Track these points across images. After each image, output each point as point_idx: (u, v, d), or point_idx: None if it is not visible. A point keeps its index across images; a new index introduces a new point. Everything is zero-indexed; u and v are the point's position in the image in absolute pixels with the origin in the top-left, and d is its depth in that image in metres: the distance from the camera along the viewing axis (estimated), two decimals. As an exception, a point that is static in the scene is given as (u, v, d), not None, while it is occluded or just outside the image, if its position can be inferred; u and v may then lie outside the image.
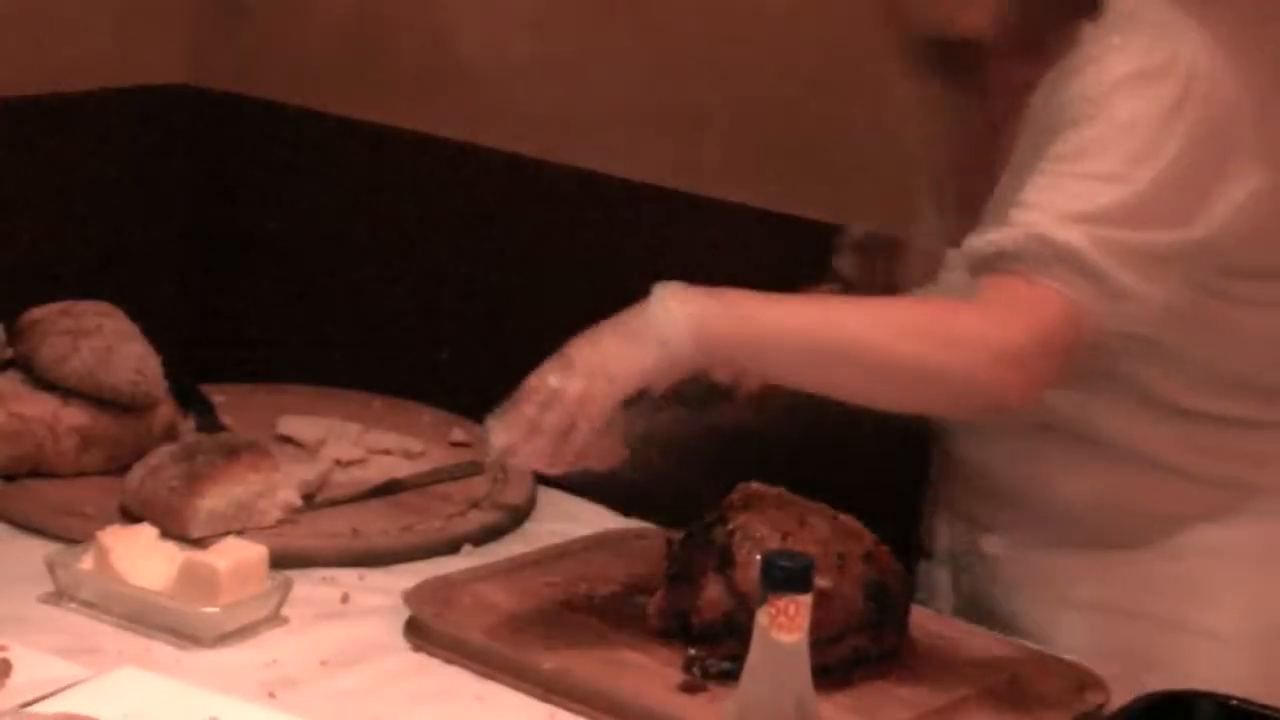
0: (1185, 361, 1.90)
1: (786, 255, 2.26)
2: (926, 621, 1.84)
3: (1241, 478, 1.96)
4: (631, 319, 1.75)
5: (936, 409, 1.85)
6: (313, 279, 2.67)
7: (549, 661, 1.77)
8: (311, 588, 1.93)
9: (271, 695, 1.69)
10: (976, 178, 1.93)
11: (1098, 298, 1.74)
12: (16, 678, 1.65)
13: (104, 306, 2.27)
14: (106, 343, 2.21)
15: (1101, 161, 1.77)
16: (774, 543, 1.71)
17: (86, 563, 1.87)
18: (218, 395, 2.37)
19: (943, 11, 1.89)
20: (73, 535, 1.96)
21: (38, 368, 2.20)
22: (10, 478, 2.13)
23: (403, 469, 2.23)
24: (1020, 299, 1.74)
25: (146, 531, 1.91)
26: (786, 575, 1.32)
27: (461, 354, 2.61)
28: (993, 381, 1.73)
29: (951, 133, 2.01)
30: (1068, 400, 1.88)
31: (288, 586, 1.88)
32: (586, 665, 1.76)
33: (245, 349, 2.59)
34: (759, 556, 1.48)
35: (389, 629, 1.87)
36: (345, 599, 1.93)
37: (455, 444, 2.31)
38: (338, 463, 2.22)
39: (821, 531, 1.75)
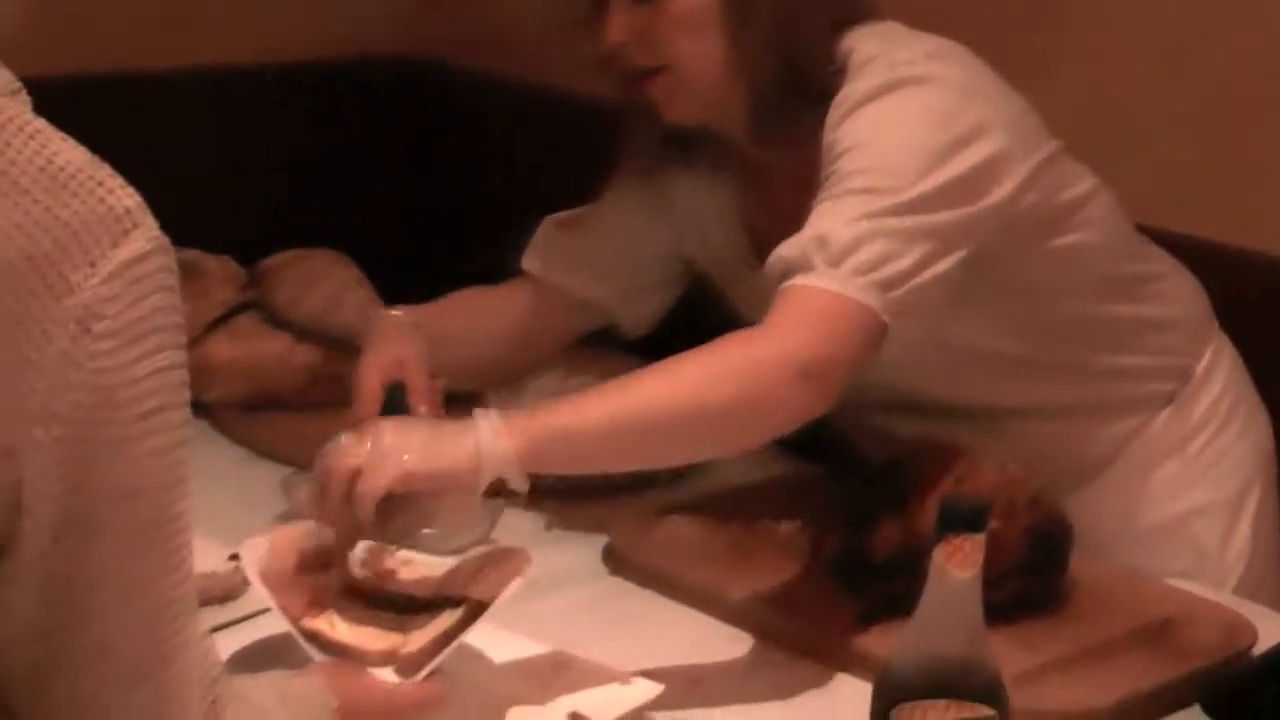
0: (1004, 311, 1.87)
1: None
2: (1085, 565, 1.83)
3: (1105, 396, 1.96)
4: (454, 436, 1.60)
5: (758, 440, 1.74)
6: (517, 235, 2.68)
7: (736, 591, 1.78)
8: (519, 515, 1.94)
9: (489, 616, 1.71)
10: (787, 233, 1.81)
11: (883, 286, 1.67)
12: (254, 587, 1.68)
13: (334, 255, 2.32)
14: (336, 288, 2.25)
15: (867, 177, 1.71)
16: (948, 487, 1.71)
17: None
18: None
19: (658, 105, 1.84)
20: (305, 461, 1.98)
21: (274, 309, 2.24)
22: (251, 409, 2.18)
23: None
24: (808, 310, 1.67)
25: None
26: (963, 515, 1.31)
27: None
28: (796, 399, 1.64)
29: (753, 196, 1.96)
30: (912, 377, 1.83)
31: (499, 512, 1.89)
32: (770, 595, 1.77)
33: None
34: (936, 499, 1.48)
35: (589, 555, 1.89)
36: (549, 526, 1.95)
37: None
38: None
39: (991, 478, 1.74)
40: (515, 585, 1.54)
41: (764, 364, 1.64)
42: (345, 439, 1.67)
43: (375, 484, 1.56)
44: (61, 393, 1.03)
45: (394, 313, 1.97)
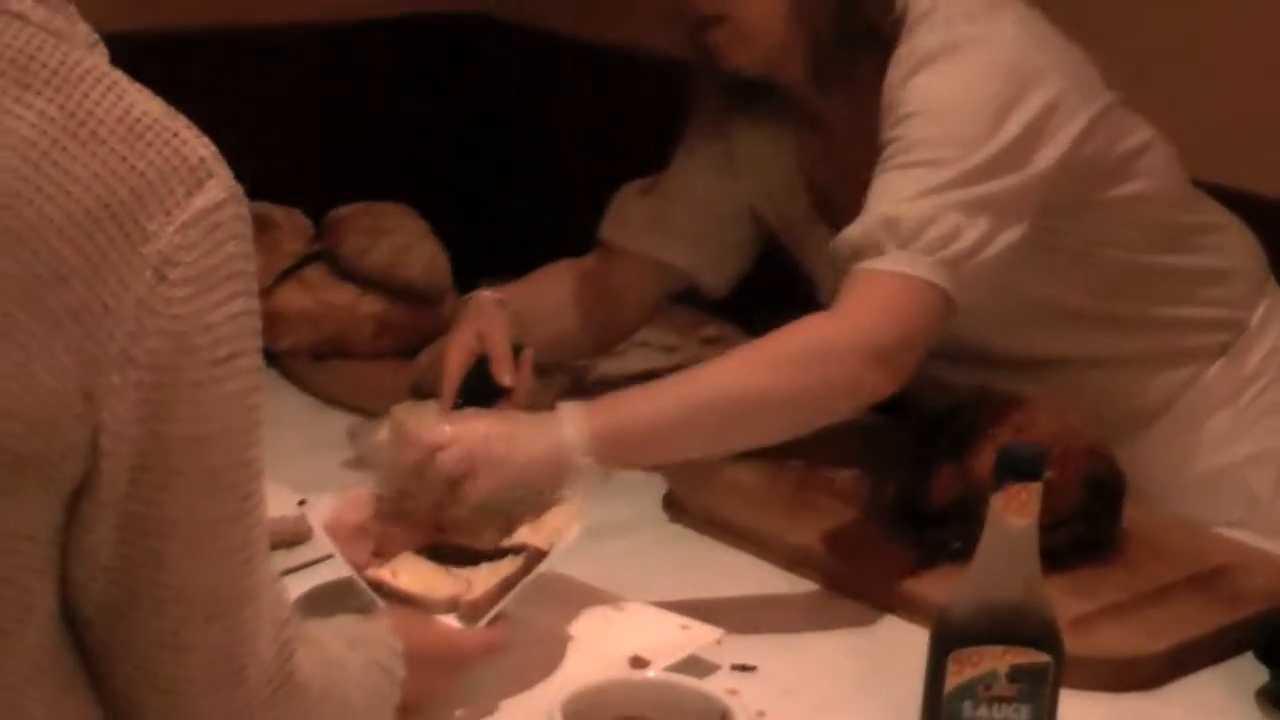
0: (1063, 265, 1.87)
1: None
2: (1138, 514, 1.82)
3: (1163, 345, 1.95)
4: (535, 429, 1.64)
5: (830, 421, 1.74)
6: (577, 188, 2.68)
7: (793, 536, 1.78)
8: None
9: (549, 563, 1.71)
10: (848, 190, 1.83)
11: (950, 265, 1.67)
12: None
13: (401, 208, 2.31)
14: (402, 240, 2.25)
15: (931, 147, 1.71)
16: (1005, 436, 1.70)
17: (382, 433, 1.90)
18: (496, 291, 2.39)
19: (719, 53, 1.82)
20: (371, 409, 2.00)
21: (341, 260, 2.24)
22: (319, 358, 2.19)
23: (659, 361, 2.23)
24: (879, 294, 1.68)
25: (435, 407, 1.94)
26: (1021, 464, 1.31)
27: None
28: (869, 382, 1.66)
29: (815, 151, 1.94)
30: (971, 329, 1.82)
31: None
32: (826, 540, 1.77)
33: (519, 250, 2.61)
34: (994, 447, 1.47)
35: (649, 502, 1.89)
36: (610, 474, 1.95)
37: (706, 340, 2.31)
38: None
39: (1048, 428, 1.73)
40: (574, 533, 1.55)
41: (837, 349, 1.66)
42: (430, 414, 1.75)
43: (480, 489, 1.58)
44: (139, 339, 1.03)
45: (482, 292, 1.99)
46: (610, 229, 2.08)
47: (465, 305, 1.98)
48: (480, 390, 1.91)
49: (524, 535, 1.57)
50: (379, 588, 1.51)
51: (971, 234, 1.69)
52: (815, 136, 1.93)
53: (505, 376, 1.91)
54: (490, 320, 1.94)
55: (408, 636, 1.33)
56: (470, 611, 1.49)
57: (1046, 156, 1.75)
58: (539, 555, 1.52)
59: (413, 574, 1.53)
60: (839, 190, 1.76)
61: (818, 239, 1.89)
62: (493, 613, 1.48)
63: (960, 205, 1.69)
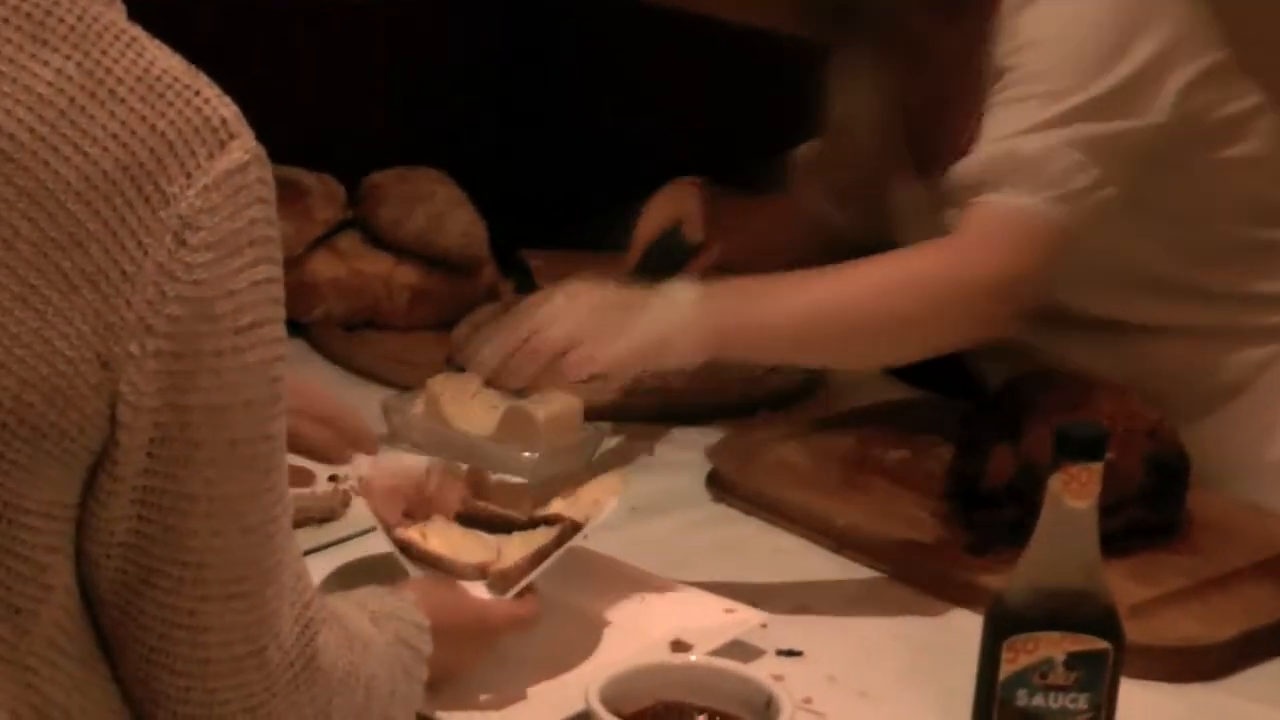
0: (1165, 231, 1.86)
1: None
2: (1205, 498, 1.80)
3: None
4: (644, 305, 1.65)
5: (934, 353, 1.75)
6: (625, 155, 2.66)
7: (843, 518, 1.77)
8: (621, 439, 1.95)
9: (585, 537, 1.69)
10: (937, 134, 1.83)
11: (1069, 201, 1.68)
12: (353, 510, 1.69)
13: (437, 174, 2.31)
14: (439, 208, 2.24)
15: (1049, 79, 1.70)
16: (1064, 415, 1.67)
17: (417, 408, 1.91)
18: (535, 260, 2.39)
19: None
20: (405, 382, 1.99)
21: (376, 228, 2.24)
22: (351, 329, 2.18)
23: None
24: (997, 227, 1.68)
25: (471, 380, 1.94)
26: (1081, 443, 1.29)
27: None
28: (983, 314, 1.67)
29: (901, 92, 1.94)
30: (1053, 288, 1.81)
31: (601, 436, 1.90)
32: (876, 522, 1.76)
33: (560, 219, 2.60)
34: (1052, 426, 1.45)
35: (692, 481, 1.88)
36: (651, 451, 1.95)
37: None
38: (647, 326, 2.22)
39: (1109, 407, 1.71)
40: (611, 505, 1.54)
41: (953, 279, 1.67)
42: (468, 387, 1.73)
43: (595, 357, 1.60)
44: (158, 306, 1.02)
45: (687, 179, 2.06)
46: (790, 186, 2.12)
47: (667, 186, 2.07)
48: (666, 256, 1.98)
49: (560, 507, 1.56)
50: (407, 549, 1.50)
51: (1090, 172, 1.69)
52: (912, 59, 1.91)
53: (697, 233, 1.97)
54: (687, 192, 2.02)
55: (434, 608, 1.33)
56: (499, 581, 1.48)
57: (1159, 101, 1.74)
58: (574, 528, 1.51)
59: (443, 537, 1.52)
60: (931, 116, 1.76)
61: (905, 191, 1.91)
62: (523, 583, 1.47)
63: (1078, 141, 1.69)
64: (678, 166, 2.58)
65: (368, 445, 1.66)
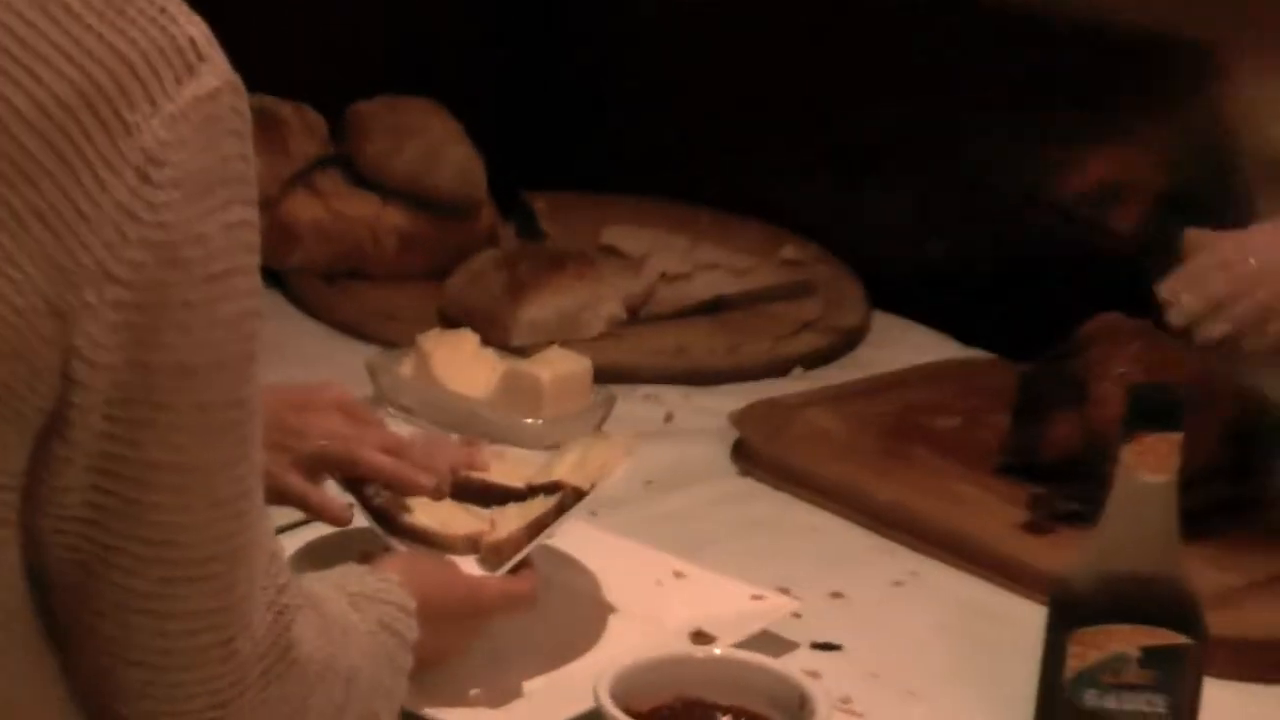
0: None
1: None
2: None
3: None
4: None
5: None
6: (639, 88, 2.65)
7: (884, 493, 1.77)
8: (634, 405, 1.95)
9: (593, 514, 1.69)
10: None
11: None
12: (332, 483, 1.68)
13: (429, 104, 2.31)
14: (431, 143, 2.24)
15: None
16: (1136, 376, 1.68)
17: (406, 368, 1.91)
18: (539, 202, 2.38)
19: None
20: (393, 339, 1.99)
21: (360, 165, 2.24)
22: (332, 278, 2.18)
23: (729, 286, 2.24)
24: None
25: (467, 338, 1.94)
26: (1157, 409, 1.29)
27: (796, 167, 2.59)
28: None
29: None
30: None
31: (612, 402, 1.89)
32: (924, 499, 1.76)
33: (568, 156, 2.59)
34: (1124, 389, 1.45)
35: (715, 452, 1.88)
36: (669, 418, 1.95)
37: (785, 262, 2.30)
38: (663, 276, 2.22)
39: (1188, 366, 1.71)
40: (620, 470, 1.53)
41: None
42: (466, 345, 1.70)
43: None
44: (118, 250, 1.02)
45: None
46: None
47: None
48: None
49: (560, 472, 1.54)
50: (387, 521, 1.49)
51: None
52: None
53: None
54: None
55: (420, 587, 1.33)
56: (493, 554, 1.48)
57: None
58: (577, 495, 1.50)
59: (428, 508, 1.51)
60: None
61: None
62: (518, 557, 1.46)
63: None
64: (700, 100, 2.57)
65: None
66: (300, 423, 1.53)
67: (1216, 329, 1.65)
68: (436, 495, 1.52)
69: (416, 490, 1.52)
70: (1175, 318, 1.68)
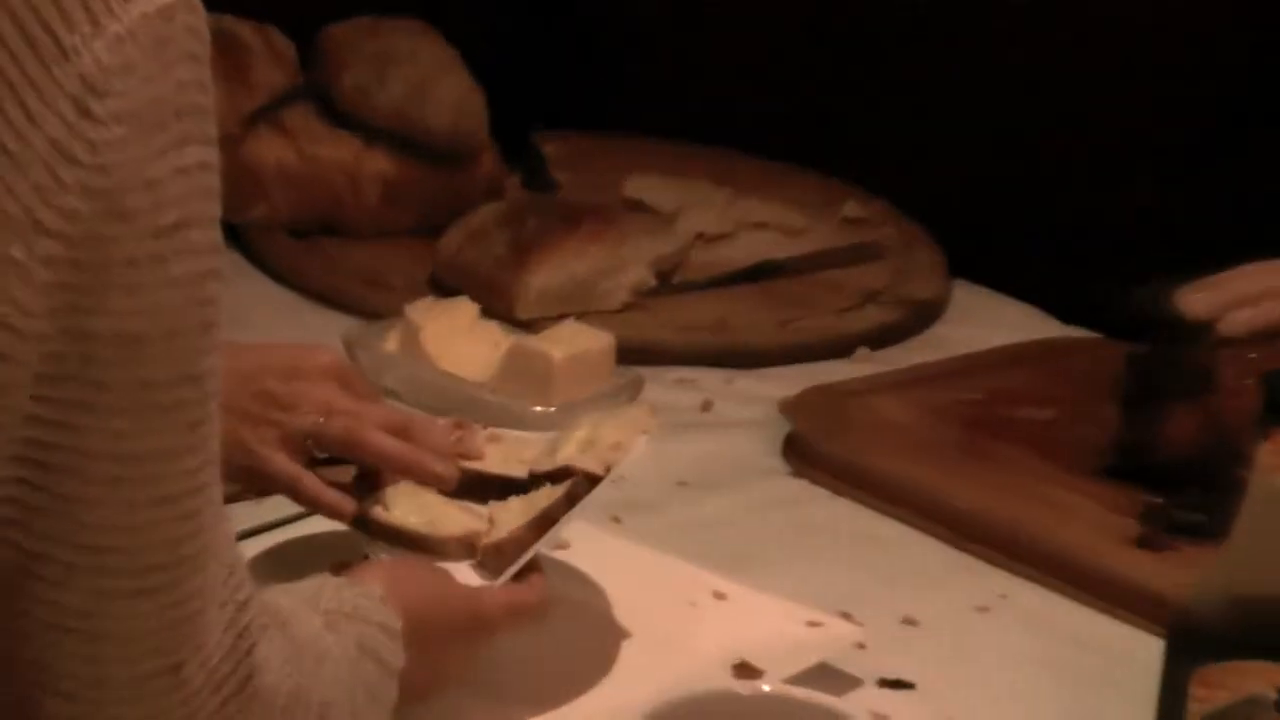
0: None
1: None
2: None
3: None
4: None
5: None
6: (673, 7, 2.66)
7: (965, 499, 1.78)
8: (665, 390, 1.96)
9: (616, 520, 1.71)
10: None
11: None
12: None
13: (418, 26, 2.32)
14: (420, 73, 2.25)
15: None
16: (1270, 362, 1.68)
17: (391, 343, 1.92)
18: (551, 145, 2.39)
19: None
20: (375, 309, 2.00)
21: (336, 100, 2.25)
22: (302, 234, 2.18)
23: (780, 248, 2.25)
24: None
25: (464, 308, 1.94)
26: (1301, 402, 1.29)
27: (859, 107, 2.59)
28: None
29: None
30: None
31: (638, 386, 1.90)
32: (1012, 507, 1.77)
33: (585, 91, 2.60)
34: (1256, 376, 1.46)
35: (762, 446, 1.89)
36: (707, 406, 1.96)
37: (848, 220, 2.31)
38: (699, 237, 2.24)
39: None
40: (639, 448, 1.52)
41: None
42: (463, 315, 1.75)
43: None
44: (50, 196, 1.02)
45: None
46: None
47: None
48: None
49: (568, 455, 1.54)
50: (365, 524, 1.50)
51: None
52: None
53: None
54: None
55: (407, 602, 1.34)
56: (493, 557, 1.47)
57: None
58: (590, 481, 1.50)
59: (412, 506, 1.51)
60: None
61: None
62: (522, 560, 1.46)
63: None
64: (744, 26, 2.58)
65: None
66: (289, 393, 1.53)
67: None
68: (448, 487, 1.52)
69: (432, 481, 1.52)
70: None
